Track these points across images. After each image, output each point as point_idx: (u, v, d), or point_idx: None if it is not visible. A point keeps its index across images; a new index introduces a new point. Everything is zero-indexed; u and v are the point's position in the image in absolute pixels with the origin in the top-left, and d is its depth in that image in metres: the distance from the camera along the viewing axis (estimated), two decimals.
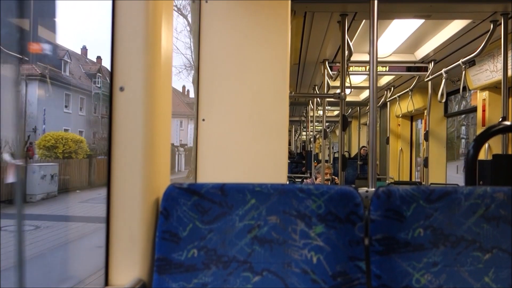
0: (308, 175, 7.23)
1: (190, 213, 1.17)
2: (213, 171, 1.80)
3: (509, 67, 3.53)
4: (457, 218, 1.12)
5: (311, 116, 7.45)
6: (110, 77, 1.16)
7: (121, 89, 1.16)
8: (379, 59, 4.83)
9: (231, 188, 1.18)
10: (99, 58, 31.86)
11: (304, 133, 12.43)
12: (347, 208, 1.14)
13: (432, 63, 4.78)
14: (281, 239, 1.15)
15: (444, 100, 4.64)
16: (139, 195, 1.16)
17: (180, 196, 1.18)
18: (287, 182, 2.93)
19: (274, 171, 1.78)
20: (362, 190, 1.92)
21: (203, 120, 1.80)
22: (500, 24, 3.32)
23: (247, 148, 1.78)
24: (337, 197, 1.15)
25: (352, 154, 10.59)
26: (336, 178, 5.71)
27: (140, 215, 1.16)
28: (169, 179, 1.31)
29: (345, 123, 3.50)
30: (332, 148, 15.12)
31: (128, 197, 1.16)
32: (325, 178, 5.15)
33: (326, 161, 7.17)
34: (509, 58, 3.53)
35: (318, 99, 6.46)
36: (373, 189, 2.31)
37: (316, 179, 5.42)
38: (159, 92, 1.21)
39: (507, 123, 1.75)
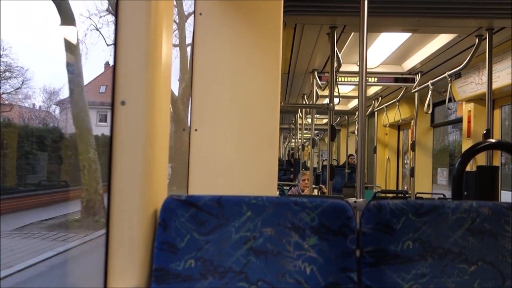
0: (297, 182, 7.28)
1: (187, 224, 1.19)
2: (204, 181, 1.81)
3: (493, 80, 3.63)
4: (444, 232, 1.16)
5: (299, 124, 7.50)
6: (112, 91, 1.19)
7: (123, 103, 1.18)
8: (367, 70, 4.91)
9: (228, 200, 1.21)
10: None
11: (293, 140, 12.49)
12: (340, 221, 1.18)
13: (419, 74, 4.87)
14: (276, 250, 1.18)
15: (430, 111, 4.72)
16: (138, 206, 1.18)
17: (178, 208, 1.20)
18: (278, 192, 2.96)
19: (265, 181, 1.80)
20: (351, 200, 1.96)
21: (196, 130, 1.81)
22: (485, 38, 3.41)
23: (238, 158, 1.80)
24: (330, 210, 1.19)
25: (341, 162, 10.65)
26: (323, 186, 5.76)
27: (139, 226, 1.18)
28: (166, 191, 1.34)
29: (334, 133, 3.55)
30: (322, 155, 15.18)
31: (127, 208, 1.18)
32: (313, 186, 5.18)
33: (315, 169, 7.22)
34: (493, 72, 3.63)
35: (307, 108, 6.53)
36: (361, 199, 2.36)
37: (302, 191, 5.43)
38: (158, 106, 1.24)
39: (493, 140, 1.82)
